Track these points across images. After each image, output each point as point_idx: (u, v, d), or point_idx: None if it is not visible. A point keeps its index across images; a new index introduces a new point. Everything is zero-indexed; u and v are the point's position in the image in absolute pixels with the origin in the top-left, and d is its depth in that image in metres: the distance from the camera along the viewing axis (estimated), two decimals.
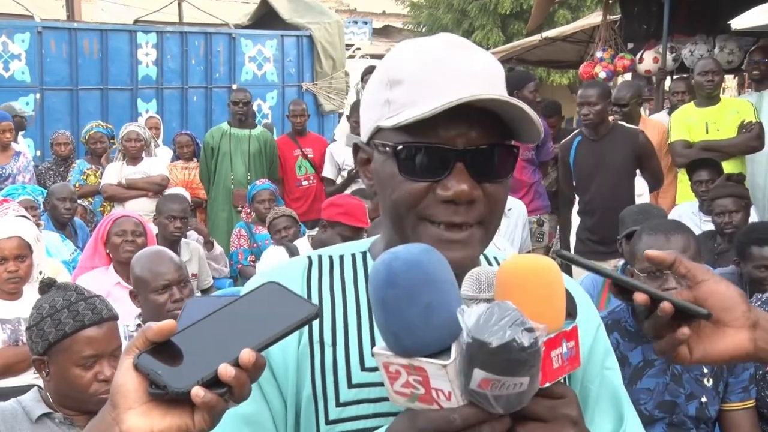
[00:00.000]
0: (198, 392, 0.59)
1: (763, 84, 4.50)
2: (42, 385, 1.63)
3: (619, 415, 0.87)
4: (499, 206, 0.79)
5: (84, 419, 1.55)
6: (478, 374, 0.62)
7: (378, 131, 0.80)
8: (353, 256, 0.86)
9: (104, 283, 2.85)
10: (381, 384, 0.75)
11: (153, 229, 3.44)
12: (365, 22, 14.30)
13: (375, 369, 0.76)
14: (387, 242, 0.82)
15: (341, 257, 0.86)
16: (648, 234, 1.94)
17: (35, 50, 6.79)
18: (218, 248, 4.16)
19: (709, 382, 1.86)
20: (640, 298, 0.71)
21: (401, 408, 0.70)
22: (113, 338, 1.59)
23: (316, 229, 3.92)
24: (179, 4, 9.91)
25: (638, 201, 3.89)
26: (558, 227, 5.09)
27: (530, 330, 0.61)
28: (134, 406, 0.61)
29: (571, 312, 0.70)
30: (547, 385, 0.67)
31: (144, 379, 0.62)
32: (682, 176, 3.99)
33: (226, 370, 0.60)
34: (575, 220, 4.06)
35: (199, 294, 3.53)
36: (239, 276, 4.13)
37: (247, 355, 0.60)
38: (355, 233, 2.96)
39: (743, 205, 3.20)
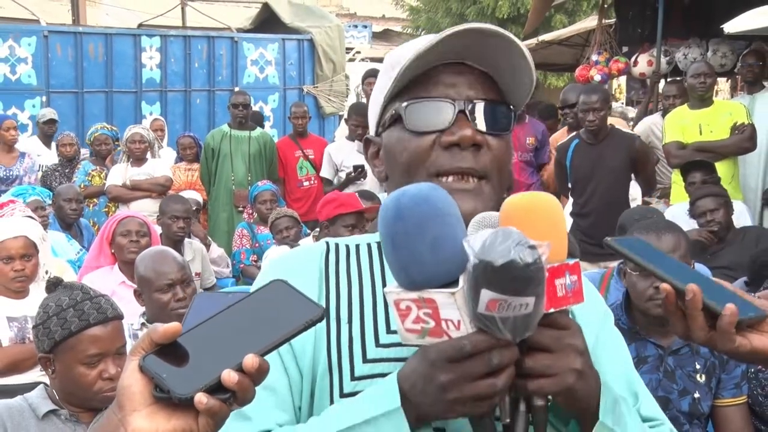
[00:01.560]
0: (201, 399, 0.58)
1: (755, 86, 4.55)
2: (48, 382, 1.63)
3: (633, 393, 0.87)
4: (502, 162, 0.82)
5: (89, 416, 1.58)
6: (485, 295, 0.63)
7: (384, 110, 0.85)
8: (369, 245, 0.89)
9: (109, 282, 2.88)
10: (395, 359, 0.78)
11: (158, 230, 3.51)
12: (365, 26, 14.37)
13: (389, 345, 0.80)
14: None
15: (357, 246, 0.89)
16: (640, 233, 1.96)
17: (41, 54, 6.85)
18: (218, 250, 4.19)
19: (701, 379, 1.90)
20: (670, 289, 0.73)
21: (413, 350, 0.71)
22: (118, 337, 1.60)
23: (314, 230, 3.98)
24: (183, 9, 10.00)
25: (632, 205, 3.96)
26: None
27: (533, 248, 0.63)
28: (139, 408, 0.60)
29: (573, 253, 0.73)
30: (552, 311, 0.68)
31: (149, 380, 0.61)
32: (676, 177, 4.05)
33: (229, 377, 0.59)
34: (567, 221, 4.10)
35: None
36: (241, 275, 4.20)
37: (250, 360, 0.60)
38: (359, 220, 2.95)
39: (723, 203, 3.26)
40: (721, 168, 3.87)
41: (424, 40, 0.82)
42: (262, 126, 5.94)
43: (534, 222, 0.68)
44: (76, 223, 4.09)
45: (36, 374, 2.37)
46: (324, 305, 0.70)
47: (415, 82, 0.82)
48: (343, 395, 0.79)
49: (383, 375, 0.77)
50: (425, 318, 0.68)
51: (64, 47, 6.98)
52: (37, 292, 2.51)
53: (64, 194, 4.03)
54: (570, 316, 0.74)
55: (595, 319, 0.87)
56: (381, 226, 0.70)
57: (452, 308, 0.66)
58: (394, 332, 0.79)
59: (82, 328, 1.54)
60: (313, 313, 0.64)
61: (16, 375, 2.42)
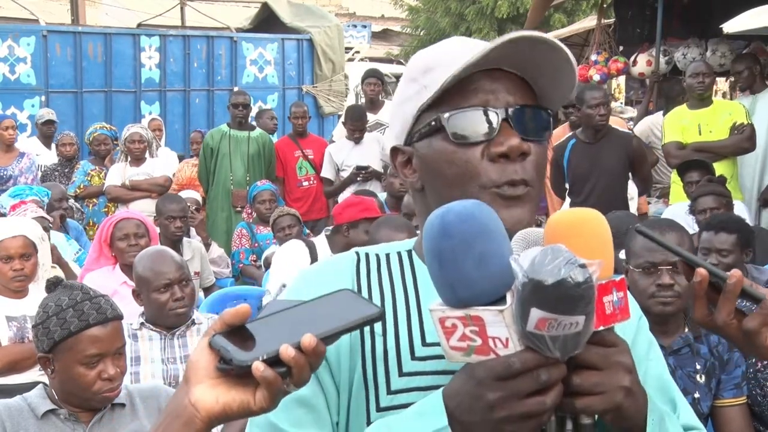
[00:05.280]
0: (258, 366, 0.62)
1: (756, 87, 4.56)
2: (47, 382, 1.64)
3: (671, 400, 0.87)
4: (542, 169, 0.82)
5: (88, 416, 1.58)
6: (535, 314, 0.63)
7: (417, 119, 0.83)
8: (399, 254, 0.88)
9: (111, 281, 2.88)
10: (431, 372, 0.78)
11: (158, 229, 3.51)
12: (364, 26, 14.37)
13: (425, 358, 0.79)
14: None
15: (387, 255, 0.88)
16: None
17: (40, 54, 6.85)
18: (218, 250, 4.19)
19: (701, 379, 1.89)
20: (701, 273, 0.74)
21: (459, 363, 0.70)
22: (117, 338, 1.60)
23: (318, 228, 3.99)
24: (182, 9, 10.01)
25: (630, 204, 3.97)
26: None
27: (584, 266, 0.62)
28: (203, 381, 0.65)
29: (618, 269, 0.72)
30: (601, 328, 0.67)
31: (215, 357, 0.65)
32: (676, 177, 4.06)
33: (287, 351, 0.62)
34: None
35: (201, 292, 3.61)
36: (241, 275, 4.20)
37: (308, 339, 0.63)
38: None
39: (724, 203, 3.27)
40: (721, 168, 3.87)
41: (464, 48, 0.81)
42: (276, 125, 5.92)
43: (581, 238, 0.68)
44: (63, 224, 4.05)
45: (35, 374, 2.38)
46: (382, 309, 0.70)
47: (450, 91, 0.80)
48: (379, 409, 0.79)
49: (420, 388, 0.77)
50: (472, 336, 0.67)
51: (64, 47, 6.98)
52: (37, 291, 2.52)
53: (53, 195, 3.99)
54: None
55: (630, 324, 0.85)
56: (426, 243, 0.69)
57: (500, 326, 0.66)
58: (430, 344, 0.80)
59: (82, 329, 1.54)
60: (372, 311, 0.67)
61: (15, 375, 2.42)
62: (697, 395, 1.88)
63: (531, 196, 0.80)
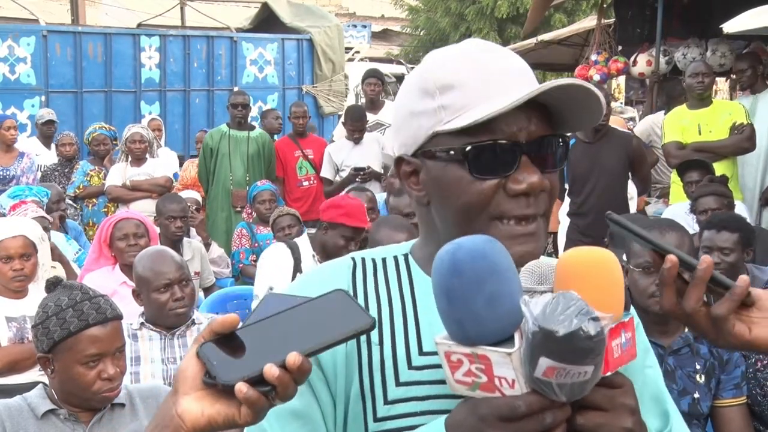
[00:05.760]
0: (241, 388, 0.62)
1: (756, 87, 4.56)
2: (47, 382, 1.63)
3: (664, 412, 0.87)
4: (554, 196, 0.81)
5: (88, 416, 1.58)
6: (544, 362, 0.63)
7: (431, 139, 0.79)
8: (395, 258, 0.87)
9: (110, 281, 2.87)
10: (429, 382, 0.78)
11: (158, 229, 3.51)
12: (364, 26, 14.38)
13: (422, 367, 0.79)
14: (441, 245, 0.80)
15: (384, 260, 0.87)
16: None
17: (40, 54, 6.86)
18: (218, 250, 4.19)
19: (701, 379, 1.89)
20: (671, 259, 0.72)
21: (452, 404, 0.71)
22: (117, 338, 1.59)
23: (311, 229, 3.99)
24: (182, 9, 10.02)
25: (630, 204, 3.97)
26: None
27: (596, 319, 0.62)
28: (190, 392, 0.65)
29: (626, 304, 0.70)
30: (609, 374, 0.68)
31: (203, 368, 0.66)
32: (676, 177, 4.06)
33: (270, 371, 0.62)
34: (564, 221, 4.10)
35: (201, 292, 3.62)
36: (241, 275, 4.20)
37: (293, 358, 0.63)
38: (357, 233, 2.95)
39: (726, 204, 3.26)
40: (721, 168, 3.87)
41: (486, 70, 0.78)
42: (280, 125, 5.92)
43: (593, 281, 0.67)
44: (62, 224, 4.05)
45: (35, 374, 2.38)
46: (374, 318, 0.69)
47: None
48: (377, 420, 0.79)
49: (417, 398, 0.78)
50: (477, 373, 0.67)
51: (64, 47, 6.99)
52: (36, 291, 2.51)
53: (51, 196, 3.98)
54: None
55: None
56: (435, 279, 0.69)
57: (507, 368, 0.66)
58: (427, 354, 0.79)
59: (82, 329, 1.54)
60: (363, 324, 0.67)
61: (15, 375, 2.42)
62: (696, 395, 1.89)
63: (541, 229, 0.79)
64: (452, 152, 0.78)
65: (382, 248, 0.90)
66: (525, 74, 0.80)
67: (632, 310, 0.88)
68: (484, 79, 0.77)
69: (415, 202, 0.85)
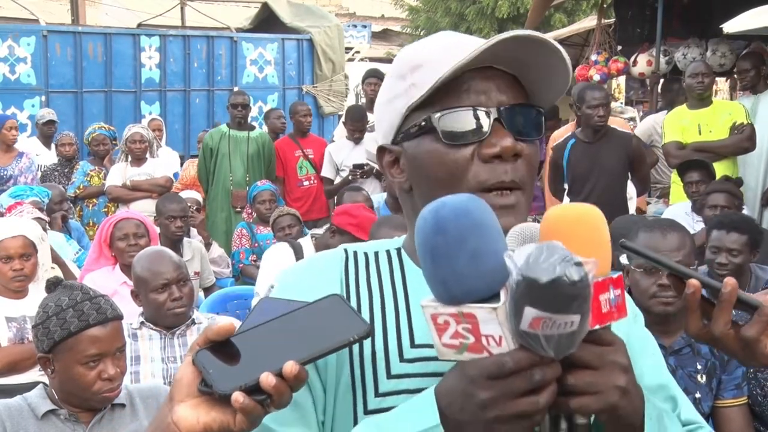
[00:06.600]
0: (237, 397, 0.62)
1: (758, 87, 4.55)
2: (47, 382, 1.64)
3: (671, 397, 0.86)
4: (533, 169, 0.80)
5: (88, 416, 1.59)
6: (529, 313, 0.61)
7: (405, 118, 0.81)
8: (388, 252, 0.87)
9: (111, 282, 2.88)
10: (421, 375, 0.77)
11: (158, 229, 3.51)
12: (364, 26, 14.39)
13: (414, 360, 0.78)
14: None
15: (376, 253, 0.87)
16: (645, 231, 1.94)
17: (40, 54, 6.87)
18: (218, 250, 4.20)
19: (702, 379, 1.89)
20: (693, 284, 0.71)
21: (449, 365, 0.69)
22: (117, 338, 1.60)
23: (318, 228, 3.99)
24: (182, 9, 10.03)
25: (629, 204, 3.97)
26: None
27: (579, 264, 0.60)
28: (186, 400, 0.66)
29: (614, 264, 0.70)
30: (597, 327, 0.66)
31: (198, 375, 0.66)
32: (676, 177, 4.06)
33: (267, 380, 0.62)
34: None
35: (201, 292, 3.62)
36: (241, 275, 4.20)
37: (290, 367, 0.63)
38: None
39: (735, 204, 3.27)
40: (721, 168, 3.88)
41: (454, 44, 0.79)
42: (283, 125, 5.93)
43: (578, 234, 0.66)
44: (65, 224, 4.06)
45: (35, 374, 2.38)
46: (369, 325, 0.68)
47: (441, 90, 0.78)
48: (367, 412, 0.78)
49: (409, 391, 0.76)
50: (464, 333, 0.66)
51: (64, 47, 7.00)
52: (37, 292, 2.52)
53: (54, 197, 3.98)
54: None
55: (625, 320, 0.84)
56: (419, 238, 0.68)
57: (493, 324, 0.64)
58: (419, 346, 0.79)
59: (82, 329, 1.54)
60: (358, 331, 0.66)
61: (15, 375, 2.42)
62: (698, 395, 1.89)
63: (522, 203, 0.78)
64: (423, 123, 0.79)
65: (375, 242, 0.90)
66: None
67: (635, 315, 0.87)
68: (453, 53, 0.77)
69: (398, 191, 0.85)
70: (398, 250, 0.87)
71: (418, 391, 0.75)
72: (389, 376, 0.78)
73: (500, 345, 0.65)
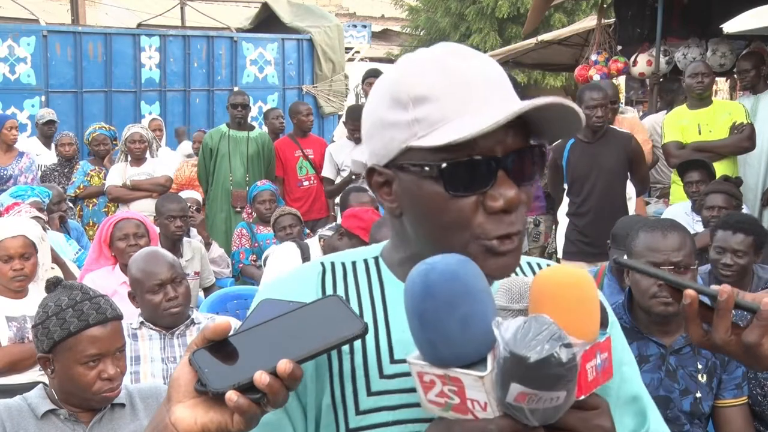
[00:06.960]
0: (231, 396, 0.63)
1: (758, 87, 4.55)
2: (47, 382, 1.64)
3: (641, 412, 0.87)
4: (529, 207, 0.79)
5: (88, 416, 1.59)
6: (515, 388, 0.62)
7: (405, 152, 0.76)
8: (365, 262, 0.86)
9: (110, 282, 2.88)
10: (401, 391, 0.77)
11: (157, 229, 3.51)
12: (364, 26, 14.40)
13: (394, 376, 0.78)
14: (414, 255, 0.79)
15: (353, 263, 0.85)
16: (645, 231, 1.94)
17: (40, 54, 6.88)
18: (218, 250, 4.20)
19: (703, 379, 1.89)
20: (690, 294, 0.72)
21: (425, 414, 0.70)
22: (117, 338, 1.60)
23: (323, 229, 3.99)
24: (182, 8, 10.04)
25: (629, 204, 3.97)
26: (554, 227, 5.15)
27: (568, 345, 0.61)
28: (183, 400, 0.66)
29: (604, 322, 0.69)
30: (582, 397, 0.67)
31: (195, 375, 0.66)
32: (676, 177, 4.06)
33: (261, 378, 0.63)
34: (563, 221, 4.10)
35: (201, 292, 3.62)
36: (241, 275, 4.20)
37: (283, 365, 0.63)
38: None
39: (734, 205, 3.26)
40: (721, 168, 3.87)
41: (459, 83, 0.74)
42: (282, 125, 5.93)
43: (568, 303, 0.66)
44: (64, 224, 4.05)
45: (35, 374, 2.38)
46: (366, 324, 0.68)
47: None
48: (348, 430, 0.78)
49: (390, 407, 0.77)
50: (450, 394, 0.67)
51: (64, 47, 7.00)
52: (36, 291, 2.52)
53: (53, 197, 3.98)
54: None
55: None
56: (408, 302, 0.68)
57: (479, 391, 0.65)
58: (398, 362, 0.78)
59: (82, 329, 1.54)
60: (354, 330, 0.67)
61: (15, 375, 2.42)
62: (698, 395, 1.89)
63: (521, 244, 0.78)
64: (427, 168, 0.75)
65: (353, 251, 0.88)
66: (502, 84, 0.77)
67: (611, 323, 0.86)
68: (461, 91, 0.74)
69: (387, 212, 0.83)
70: (376, 259, 0.86)
71: (399, 407, 0.76)
72: (369, 393, 0.78)
73: (485, 410, 0.66)
